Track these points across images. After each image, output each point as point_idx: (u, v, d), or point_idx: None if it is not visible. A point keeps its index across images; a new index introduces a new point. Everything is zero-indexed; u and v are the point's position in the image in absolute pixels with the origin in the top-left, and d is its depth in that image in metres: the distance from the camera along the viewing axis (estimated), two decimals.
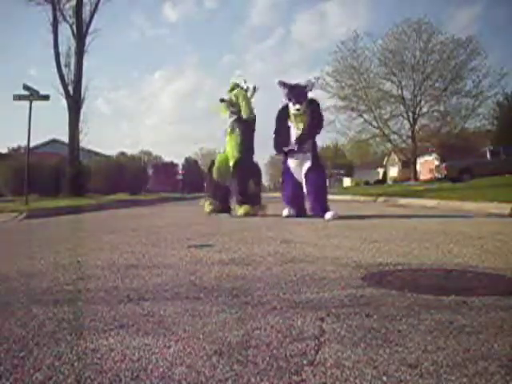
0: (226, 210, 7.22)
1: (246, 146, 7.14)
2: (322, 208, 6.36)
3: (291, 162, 6.77)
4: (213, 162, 7.47)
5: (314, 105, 6.98)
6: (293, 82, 7.03)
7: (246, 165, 7.05)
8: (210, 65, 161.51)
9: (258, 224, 5.54)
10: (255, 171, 7.33)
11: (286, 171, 6.90)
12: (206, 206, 7.30)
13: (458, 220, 5.85)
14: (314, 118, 6.86)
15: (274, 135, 7.01)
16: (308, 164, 6.60)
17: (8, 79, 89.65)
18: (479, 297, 1.77)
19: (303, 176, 6.62)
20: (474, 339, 1.30)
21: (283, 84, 6.90)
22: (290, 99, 6.78)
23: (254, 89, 7.28)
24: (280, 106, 7.04)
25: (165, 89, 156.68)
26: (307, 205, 6.79)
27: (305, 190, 6.66)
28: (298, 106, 6.67)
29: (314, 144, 6.95)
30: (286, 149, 6.79)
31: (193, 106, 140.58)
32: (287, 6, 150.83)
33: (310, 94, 7.01)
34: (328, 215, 6.12)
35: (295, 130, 6.74)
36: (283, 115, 6.91)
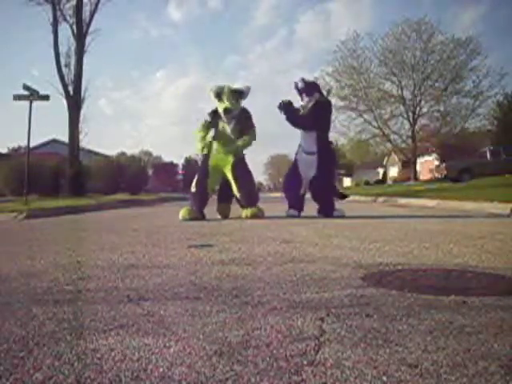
0: (202, 217, 6.65)
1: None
2: (330, 210, 6.87)
3: (300, 159, 7.03)
4: (207, 154, 6.87)
5: (317, 105, 7.14)
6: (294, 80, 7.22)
7: (245, 164, 6.95)
8: (213, 65, 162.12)
9: (257, 224, 5.54)
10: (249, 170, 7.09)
11: (292, 168, 7.18)
12: (183, 212, 6.51)
13: (457, 220, 5.85)
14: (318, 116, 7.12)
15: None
16: (314, 170, 6.89)
17: (8, 79, 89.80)
18: (479, 297, 1.77)
19: (308, 181, 6.97)
20: (474, 339, 1.30)
21: (300, 82, 7.11)
22: (301, 96, 7.08)
23: (248, 90, 6.87)
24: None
25: (167, 89, 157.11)
26: (319, 206, 7.12)
27: (310, 193, 7.10)
28: (302, 103, 7.00)
29: (324, 145, 7.07)
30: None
31: (195, 106, 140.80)
32: (291, 6, 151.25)
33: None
34: (336, 213, 6.76)
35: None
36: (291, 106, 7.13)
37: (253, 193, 7.03)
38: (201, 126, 6.80)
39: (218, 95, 6.69)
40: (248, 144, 6.90)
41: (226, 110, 6.61)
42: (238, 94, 6.76)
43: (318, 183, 6.86)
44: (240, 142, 6.76)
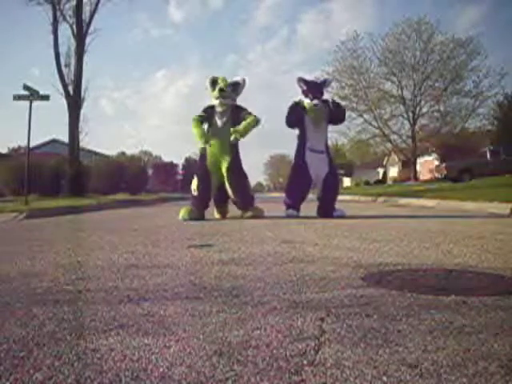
0: (201, 217, 6.62)
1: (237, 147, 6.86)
2: (332, 210, 6.82)
3: (308, 159, 6.88)
4: (203, 154, 6.75)
5: (329, 102, 7.14)
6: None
7: (240, 166, 6.85)
8: (214, 64, 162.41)
9: (257, 224, 5.54)
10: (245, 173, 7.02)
11: (300, 168, 6.97)
12: (183, 212, 6.49)
13: (457, 220, 5.85)
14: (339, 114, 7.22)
15: (287, 115, 7.09)
16: (326, 168, 6.87)
17: (8, 79, 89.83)
18: (479, 297, 1.77)
19: (321, 180, 6.86)
20: (474, 339, 1.30)
21: (302, 81, 7.04)
22: (307, 95, 6.93)
23: (244, 81, 6.82)
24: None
25: (168, 89, 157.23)
26: (319, 206, 7.01)
27: (318, 192, 6.98)
28: (315, 102, 6.81)
29: (327, 143, 7.13)
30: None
31: (195, 106, 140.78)
32: (291, 6, 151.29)
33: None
34: (337, 213, 6.70)
35: (312, 125, 6.95)
36: (298, 106, 7.00)
37: (247, 197, 6.92)
38: (194, 122, 6.63)
39: (213, 83, 6.66)
40: (252, 125, 6.67)
41: (220, 91, 6.49)
42: (234, 85, 6.73)
43: (331, 181, 6.88)
44: (242, 126, 6.55)
